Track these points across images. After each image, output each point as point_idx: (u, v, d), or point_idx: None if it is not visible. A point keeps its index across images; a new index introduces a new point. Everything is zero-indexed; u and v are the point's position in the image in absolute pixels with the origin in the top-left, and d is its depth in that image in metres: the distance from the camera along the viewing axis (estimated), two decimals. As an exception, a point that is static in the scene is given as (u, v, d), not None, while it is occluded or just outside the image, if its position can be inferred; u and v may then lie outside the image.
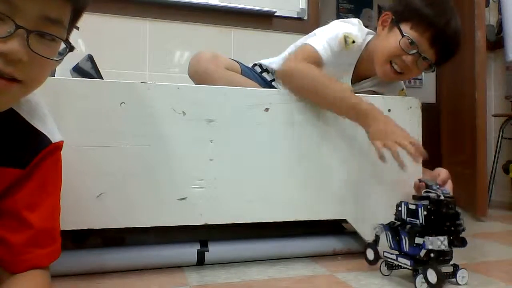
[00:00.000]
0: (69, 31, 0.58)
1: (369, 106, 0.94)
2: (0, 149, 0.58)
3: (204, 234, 0.99)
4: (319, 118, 1.02)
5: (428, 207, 0.82)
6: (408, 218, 0.86)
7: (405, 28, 1.05)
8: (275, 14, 2.08)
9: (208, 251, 0.96)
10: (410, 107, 1.09)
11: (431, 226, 0.80)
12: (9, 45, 0.48)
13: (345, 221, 1.04)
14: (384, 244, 0.89)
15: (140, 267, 0.93)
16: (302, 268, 0.96)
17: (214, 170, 0.93)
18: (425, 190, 0.89)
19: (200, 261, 0.96)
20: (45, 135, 0.63)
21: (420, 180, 1.01)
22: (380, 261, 0.90)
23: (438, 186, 0.92)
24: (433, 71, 1.13)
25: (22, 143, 0.61)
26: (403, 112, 1.07)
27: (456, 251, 1.02)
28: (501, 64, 2.36)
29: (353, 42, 1.12)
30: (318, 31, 1.15)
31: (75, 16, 0.59)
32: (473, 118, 1.80)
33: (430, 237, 0.77)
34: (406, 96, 1.23)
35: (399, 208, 0.88)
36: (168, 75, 1.91)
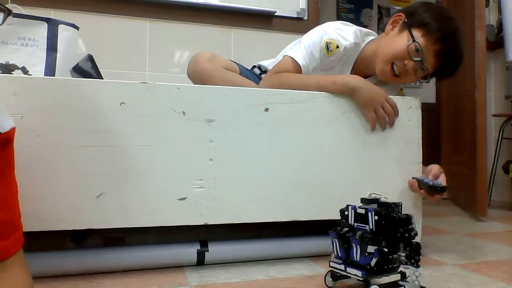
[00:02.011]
0: None
1: (342, 82, 1.03)
2: None
3: (204, 234, 0.99)
4: (319, 118, 1.02)
5: (379, 211, 0.74)
6: (355, 224, 0.77)
7: (417, 33, 1.06)
8: (275, 14, 2.08)
9: (208, 251, 0.96)
10: (410, 107, 1.09)
11: (381, 232, 0.73)
12: None
13: (345, 221, 1.04)
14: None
15: (140, 267, 0.93)
16: (302, 268, 0.96)
17: (214, 170, 0.93)
18: (370, 193, 0.81)
19: (200, 261, 0.96)
20: None
21: (413, 178, 1.01)
22: (325, 271, 0.82)
23: (430, 180, 0.93)
24: (427, 82, 1.14)
25: None
26: (403, 112, 1.07)
27: (456, 251, 1.02)
28: (501, 64, 2.36)
29: (337, 47, 1.12)
30: (304, 37, 1.17)
31: None
32: (473, 118, 1.80)
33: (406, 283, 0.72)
34: (403, 95, 1.24)
35: (346, 213, 0.80)
36: (168, 75, 1.91)
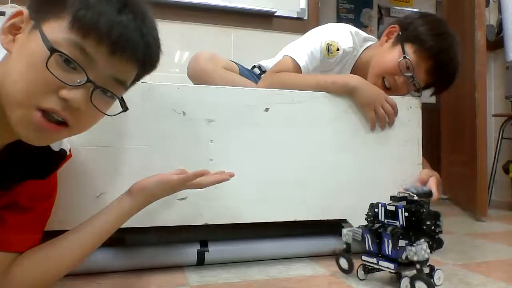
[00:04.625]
0: (128, 88, 0.62)
1: (342, 82, 1.02)
2: (24, 168, 0.64)
3: (204, 234, 0.99)
4: (319, 118, 1.02)
5: (409, 208, 0.79)
6: (386, 220, 0.83)
7: (409, 49, 1.05)
8: (275, 14, 2.08)
9: (208, 251, 0.96)
10: (410, 107, 1.09)
11: (411, 227, 0.78)
12: (74, 93, 0.51)
13: (345, 221, 1.04)
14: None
15: (140, 267, 0.93)
16: (302, 268, 0.96)
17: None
18: (399, 191, 0.87)
19: (200, 261, 0.96)
20: (62, 148, 0.70)
21: (403, 188, 1.01)
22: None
23: (417, 187, 0.96)
24: (419, 96, 1.12)
25: (43, 162, 0.67)
26: (403, 112, 1.07)
27: (456, 251, 1.02)
28: (501, 64, 2.36)
29: (337, 49, 1.12)
30: (305, 38, 1.17)
31: (138, 77, 0.63)
32: (473, 118, 1.80)
33: (413, 248, 0.74)
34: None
35: (376, 210, 0.85)
36: (168, 75, 1.91)
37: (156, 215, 0.89)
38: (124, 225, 0.88)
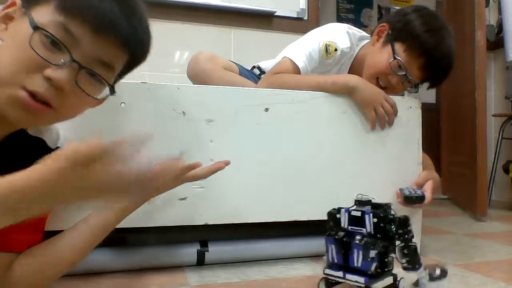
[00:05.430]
0: (119, 77, 0.63)
1: (342, 82, 1.02)
2: (20, 165, 0.62)
3: (204, 234, 0.99)
4: (319, 118, 1.02)
5: (378, 214, 0.71)
6: (350, 227, 0.73)
7: (399, 48, 1.04)
8: (275, 14, 2.08)
9: (208, 251, 0.96)
10: (410, 107, 1.09)
11: (378, 233, 0.70)
12: (58, 73, 0.52)
13: (345, 221, 1.04)
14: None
15: (140, 267, 0.93)
16: (302, 268, 0.96)
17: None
18: (358, 194, 0.78)
19: (200, 261, 0.96)
20: (58, 147, 0.70)
21: (400, 189, 1.01)
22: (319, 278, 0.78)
23: (412, 189, 0.95)
24: (416, 92, 1.12)
25: (39, 159, 0.65)
26: (403, 112, 1.07)
27: (456, 251, 1.02)
28: (501, 64, 2.36)
29: (335, 50, 1.12)
30: (303, 39, 1.16)
31: (129, 66, 0.63)
32: (473, 118, 1.80)
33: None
34: (404, 95, 1.24)
35: (338, 216, 0.75)
36: (168, 75, 1.91)
37: (156, 215, 0.89)
38: (124, 225, 0.88)
